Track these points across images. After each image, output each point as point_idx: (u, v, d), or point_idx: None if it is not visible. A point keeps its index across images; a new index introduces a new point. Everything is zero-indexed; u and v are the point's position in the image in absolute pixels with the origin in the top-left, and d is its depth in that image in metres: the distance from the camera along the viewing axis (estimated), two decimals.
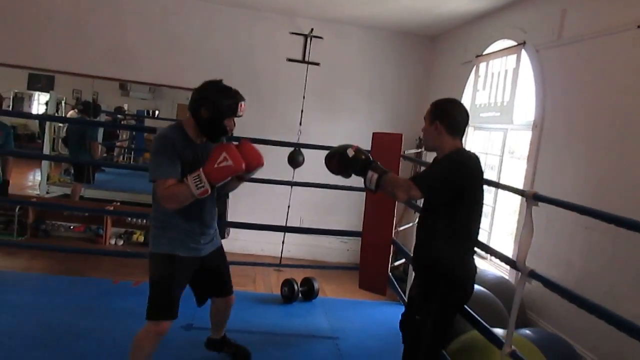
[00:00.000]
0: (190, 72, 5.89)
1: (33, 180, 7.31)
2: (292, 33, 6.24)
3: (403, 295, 4.52)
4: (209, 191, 2.38)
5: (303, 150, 5.23)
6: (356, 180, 2.76)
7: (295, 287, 4.60)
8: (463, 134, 2.58)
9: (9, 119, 5.88)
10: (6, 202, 5.49)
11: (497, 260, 3.15)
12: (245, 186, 5.04)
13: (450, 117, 2.52)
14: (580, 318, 2.63)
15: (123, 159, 8.19)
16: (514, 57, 4.41)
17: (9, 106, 6.65)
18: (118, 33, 6.02)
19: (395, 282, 4.72)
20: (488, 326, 2.81)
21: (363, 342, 3.92)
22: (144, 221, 6.16)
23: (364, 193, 4.62)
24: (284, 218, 5.66)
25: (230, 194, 5.24)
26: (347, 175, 2.60)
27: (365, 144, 2.66)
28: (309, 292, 4.72)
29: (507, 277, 4.04)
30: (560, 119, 3.83)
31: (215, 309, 3.05)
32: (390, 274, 4.72)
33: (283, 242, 5.73)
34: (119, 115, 7.45)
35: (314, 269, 5.46)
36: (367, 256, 4.78)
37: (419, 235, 2.68)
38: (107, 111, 7.16)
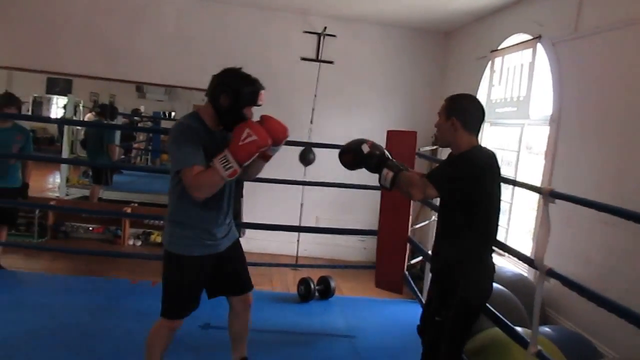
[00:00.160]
0: (204, 73, 5.82)
1: (53, 183, 7.43)
2: (306, 32, 6.24)
3: (420, 294, 4.49)
4: (238, 171, 2.27)
5: (316, 149, 5.23)
6: (371, 179, 2.74)
7: (312, 286, 4.60)
8: (479, 131, 2.52)
9: (29, 122, 5.98)
10: (27, 206, 5.57)
11: (517, 259, 3.11)
12: (260, 186, 5.09)
13: (467, 113, 2.45)
14: (600, 315, 2.59)
15: (140, 160, 8.29)
16: (529, 51, 4.35)
17: (28, 110, 6.75)
18: (134, 36, 6.07)
19: (411, 281, 4.69)
20: (512, 325, 2.78)
21: (380, 340, 3.91)
22: (162, 222, 6.21)
23: (380, 191, 4.60)
24: (299, 217, 5.67)
25: (245, 194, 5.26)
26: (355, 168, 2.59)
27: (380, 142, 2.62)
28: (325, 290, 4.72)
29: (525, 274, 4.00)
30: (577, 113, 3.77)
31: (234, 314, 2.83)
32: (406, 272, 4.70)
33: (298, 242, 5.74)
34: (135, 117, 7.54)
35: (330, 268, 5.46)
36: (383, 255, 4.76)
37: (436, 235, 2.63)
38: (124, 113, 7.25)
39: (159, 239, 6.25)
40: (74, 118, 7.03)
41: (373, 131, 4.87)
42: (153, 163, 8.05)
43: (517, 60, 4.58)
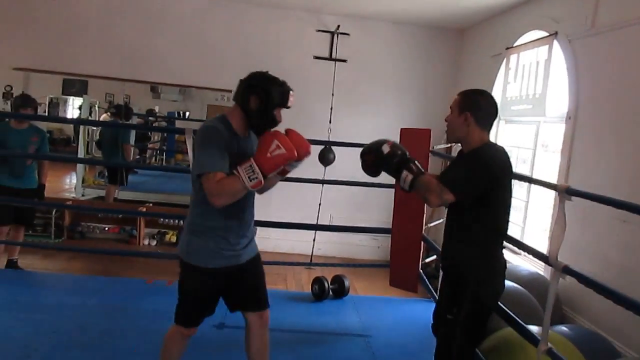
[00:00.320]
0: (218, 73, 5.96)
1: (69, 183, 7.50)
2: (319, 30, 6.24)
3: (435, 293, 4.46)
4: (262, 182, 2.19)
5: (333, 148, 5.23)
6: (386, 177, 2.72)
7: (326, 285, 4.59)
8: (491, 128, 2.49)
9: (45, 123, 6.04)
10: (43, 206, 5.64)
11: (532, 256, 3.08)
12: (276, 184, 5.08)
13: (482, 108, 2.41)
14: (618, 314, 2.55)
15: (155, 160, 8.33)
16: (545, 48, 4.31)
17: (44, 111, 6.83)
18: (148, 36, 6.12)
19: (426, 279, 4.66)
20: (523, 323, 2.75)
21: (395, 339, 3.88)
22: (176, 221, 6.26)
23: (393, 190, 4.58)
24: (314, 216, 5.66)
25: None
26: (376, 174, 2.55)
27: (394, 140, 2.60)
28: (339, 289, 4.70)
29: (542, 273, 3.96)
30: (594, 111, 3.73)
31: (251, 333, 2.66)
32: (421, 271, 4.67)
33: (314, 241, 5.73)
34: (150, 118, 7.58)
35: (344, 267, 5.45)
36: (397, 253, 4.74)
37: (447, 232, 2.61)
38: (138, 114, 7.30)
39: (174, 239, 6.30)
40: (90, 119, 7.09)
41: (387, 129, 4.86)
42: (167, 163, 8.10)
43: (533, 58, 4.53)
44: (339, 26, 6.16)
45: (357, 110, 6.37)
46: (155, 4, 6.15)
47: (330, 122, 5.96)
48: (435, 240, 4.83)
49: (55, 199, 6.33)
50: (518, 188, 4.90)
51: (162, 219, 6.37)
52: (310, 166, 5.27)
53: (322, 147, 5.17)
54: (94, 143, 7.38)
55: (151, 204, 6.51)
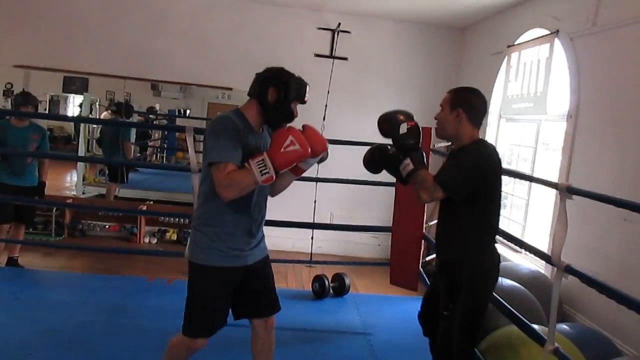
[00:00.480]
0: (219, 70, 5.96)
1: (70, 181, 7.50)
2: (320, 28, 6.23)
3: None
4: (274, 178, 2.13)
5: (331, 146, 5.20)
6: (386, 175, 2.72)
7: (326, 283, 4.59)
8: (481, 125, 2.50)
9: (46, 121, 6.04)
10: (44, 204, 5.63)
11: (534, 256, 3.08)
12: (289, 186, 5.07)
13: (474, 106, 2.44)
14: (620, 312, 2.56)
15: (156, 158, 8.33)
16: (547, 46, 4.30)
17: (45, 109, 6.83)
18: (149, 34, 6.12)
19: (426, 277, 4.66)
20: (528, 322, 2.75)
21: (395, 337, 3.88)
22: (177, 220, 6.26)
23: (394, 188, 4.59)
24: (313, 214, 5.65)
25: None
26: (378, 170, 2.55)
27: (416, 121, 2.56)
28: (340, 287, 4.70)
29: (542, 271, 3.95)
30: (595, 109, 3.72)
31: (256, 336, 2.59)
32: (421, 269, 4.67)
33: (312, 239, 5.73)
34: (151, 115, 7.57)
35: (345, 265, 5.44)
36: (397, 251, 4.74)
37: (440, 230, 2.61)
38: (139, 111, 7.29)
39: (174, 237, 6.30)
40: (90, 116, 7.09)
41: None
42: (168, 161, 8.10)
43: (534, 56, 4.52)
44: (339, 24, 6.14)
45: (357, 107, 6.35)
46: (156, 2, 6.14)
47: (324, 119, 5.94)
48: None
49: (56, 197, 6.31)
50: (519, 186, 4.89)
51: (162, 217, 6.37)
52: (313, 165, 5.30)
53: None
54: (94, 141, 7.38)
55: (152, 202, 6.51)
